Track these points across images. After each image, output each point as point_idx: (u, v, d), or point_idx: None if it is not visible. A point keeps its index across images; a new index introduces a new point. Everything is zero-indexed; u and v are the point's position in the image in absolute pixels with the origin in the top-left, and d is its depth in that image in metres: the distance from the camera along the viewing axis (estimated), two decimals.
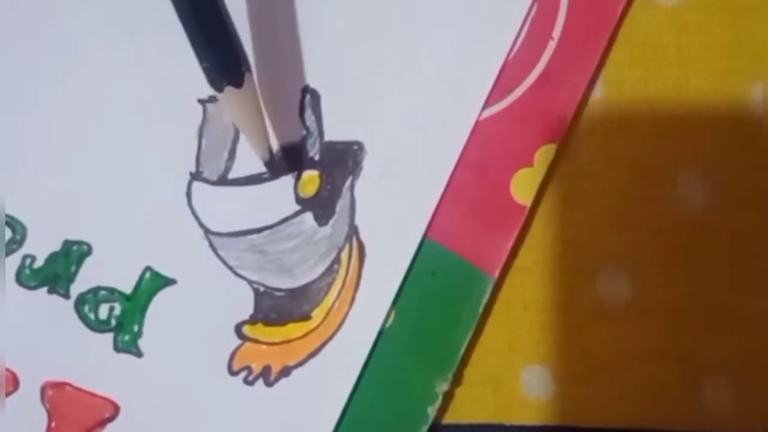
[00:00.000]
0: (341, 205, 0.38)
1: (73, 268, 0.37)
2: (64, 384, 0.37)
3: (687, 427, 0.38)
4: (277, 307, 0.37)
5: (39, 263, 0.37)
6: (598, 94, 0.39)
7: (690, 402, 0.38)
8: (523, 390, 0.38)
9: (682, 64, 0.40)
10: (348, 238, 0.38)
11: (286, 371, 0.37)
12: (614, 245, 0.39)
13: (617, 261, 0.39)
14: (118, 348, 0.37)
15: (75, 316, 0.37)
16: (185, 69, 0.38)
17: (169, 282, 0.37)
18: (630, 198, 0.39)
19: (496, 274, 0.38)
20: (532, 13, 0.39)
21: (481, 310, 0.37)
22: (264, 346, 0.37)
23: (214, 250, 0.38)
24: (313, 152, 0.38)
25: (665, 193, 0.39)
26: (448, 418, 0.38)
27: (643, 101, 0.39)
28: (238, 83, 0.35)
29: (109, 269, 0.37)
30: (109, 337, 0.37)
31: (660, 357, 0.38)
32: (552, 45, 0.39)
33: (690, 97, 0.39)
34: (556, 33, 0.39)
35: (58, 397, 0.36)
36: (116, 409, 0.37)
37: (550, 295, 0.38)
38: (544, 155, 0.38)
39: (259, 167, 0.38)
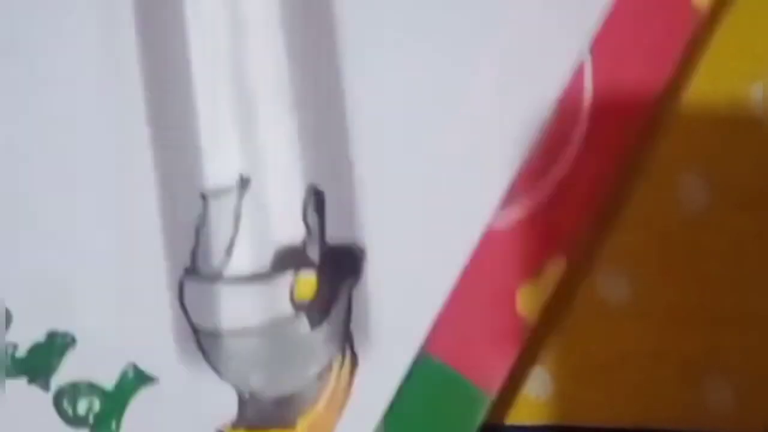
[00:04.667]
0: (337, 311, 0.36)
1: (56, 360, 0.36)
2: None
3: (687, 427, 0.38)
4: (262, 414, 0.36)
5: (21, 353, 0.36)
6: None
7: (690, 402, 0.38)
8: (522, 390, 0.38)
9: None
10: (341, 346, 0.36)
11: None
12: (614, 245, 0.39)
13: (617, 261, 0.39)
14: None
15: (53, 410, 0.36)
16: (188, 162, 0.36)
17: (151, 380, 0.36)
18: (630, 198, 0.39)
19: (494, 393, 0.36)
20: (552, 116, 0.36)
21: (474, 430, 0.36)
22: None
23: (202, 350, 0.36)
24: (313, 254, 0.36)
25: (665, 193, 0.39)
26: None
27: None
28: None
29: (91, 363, 0.36)
30: None
31: (660, 357, 0.38)
32: (570, 153, 0.36)
33: (690, 97, 0.39)
34: (576, 139, 0.36)
35: None
36: None
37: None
38: (553, 269, 0.36)
39: (256, 267, 0.36)
